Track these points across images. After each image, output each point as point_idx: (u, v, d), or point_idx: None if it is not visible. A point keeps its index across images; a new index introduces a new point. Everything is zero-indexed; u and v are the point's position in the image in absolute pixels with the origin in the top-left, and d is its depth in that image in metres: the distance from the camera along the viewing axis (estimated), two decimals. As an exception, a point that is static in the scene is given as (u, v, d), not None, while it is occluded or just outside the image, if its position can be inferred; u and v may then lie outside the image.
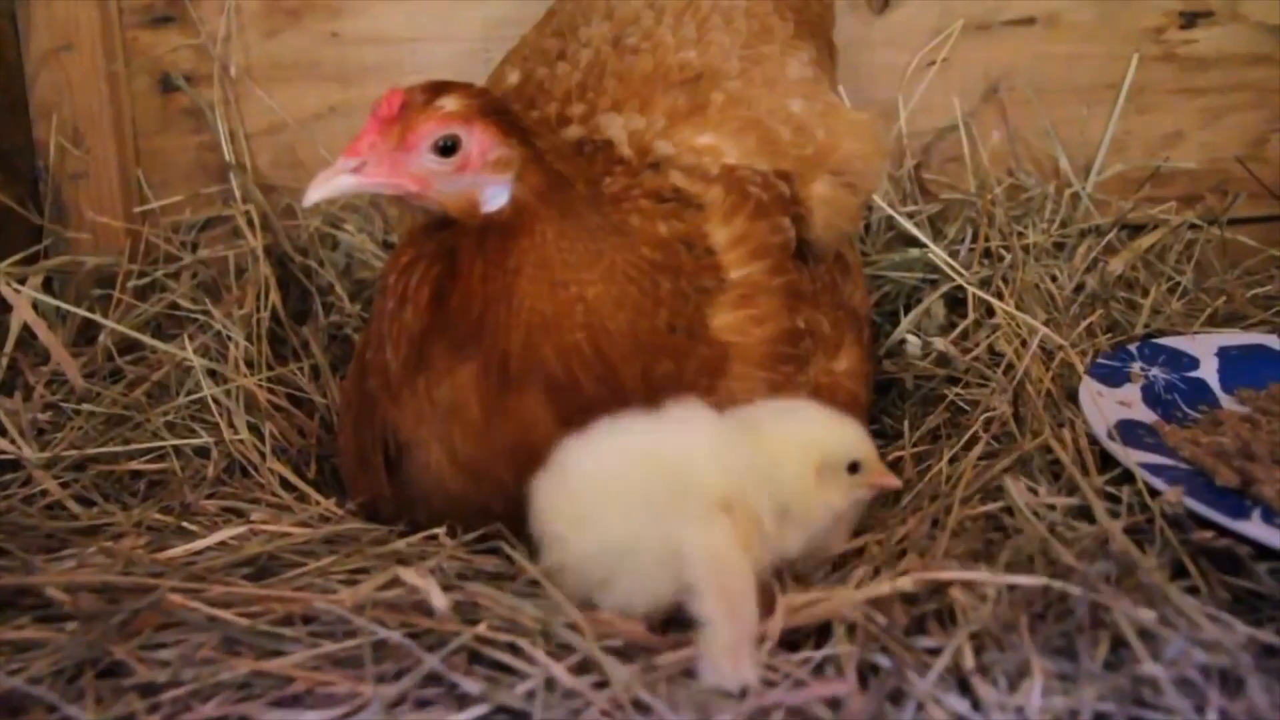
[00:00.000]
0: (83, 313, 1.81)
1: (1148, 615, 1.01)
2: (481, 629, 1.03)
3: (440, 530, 1.32)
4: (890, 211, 1.96)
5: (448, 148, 1.27)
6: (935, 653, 1.01)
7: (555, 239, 1.31)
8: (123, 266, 1.93)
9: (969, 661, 0.99)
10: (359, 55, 2.10)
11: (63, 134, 1.99)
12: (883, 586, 1.07)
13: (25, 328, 1.70)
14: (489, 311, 1.29)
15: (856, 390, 1.56)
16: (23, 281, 1.76)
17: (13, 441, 1.51)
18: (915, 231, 1.91)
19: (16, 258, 1.82)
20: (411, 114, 1.26)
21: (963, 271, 1.82)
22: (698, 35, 1.68)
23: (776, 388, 1.41)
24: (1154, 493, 1.24)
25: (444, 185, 1.29)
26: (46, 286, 1.86)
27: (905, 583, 1.06)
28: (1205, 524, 1.19)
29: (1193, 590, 1.12)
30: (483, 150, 1.28)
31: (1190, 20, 2.14)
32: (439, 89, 1.29)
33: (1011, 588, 1.05)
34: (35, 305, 1.73)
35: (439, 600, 1.05)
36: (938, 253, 1.84)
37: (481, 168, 1.29)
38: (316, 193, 1.27)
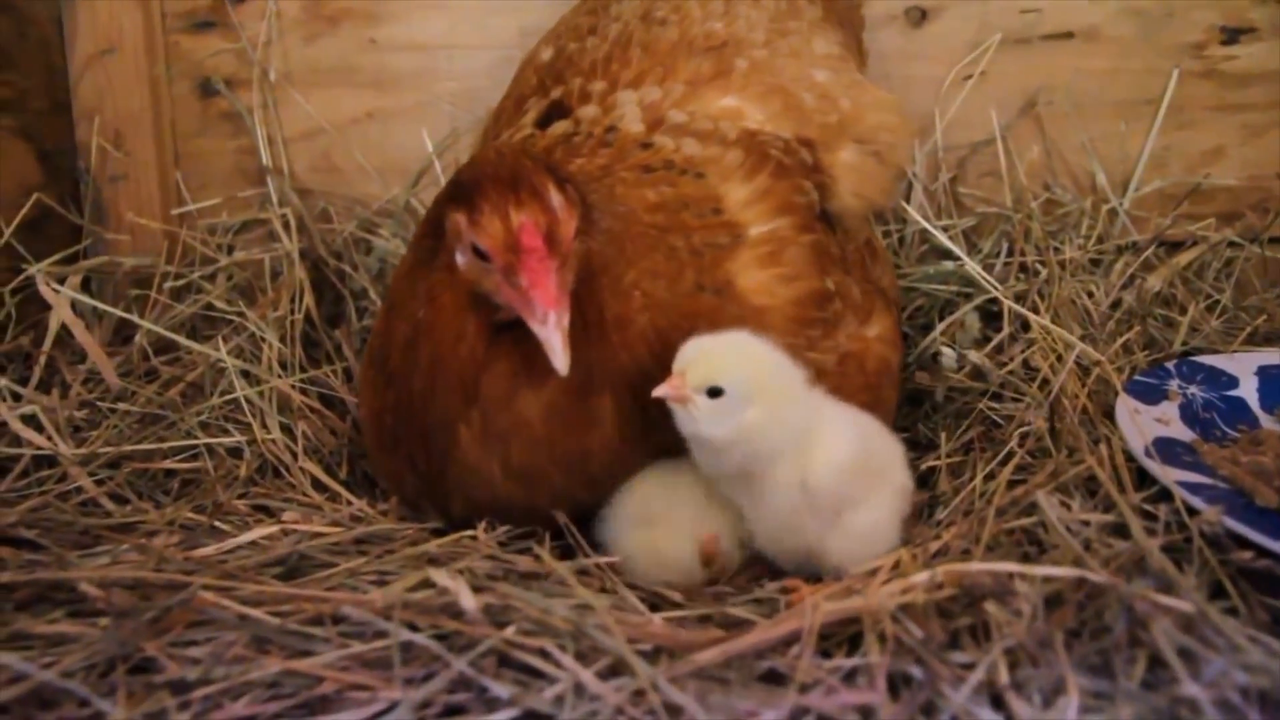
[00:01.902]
0: (119, 313, 1.83)
1: (1183, 605, 0.99)
2: (510, 633, 1.03)
3: (474, 533, 1.32)
4: (925, 224, 1.94)
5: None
6: (969, 667, 0.99)
7: (601, 245, 1.30)
8: (160, 268, 1.95)
9: (1003, 677, 0.97)
10: (396, 62, 2.11)
11: (104, 136, 2.01)
12: (914, 580, 1.06)
13: (63, 327, 1.72)
14: (579, 343, 1.24)
15: (888, 354, 1.53)
16: (62, 281, 1.78)
17: (49, 438, 1.52)
18: (950, 245, 1.89)
19: (56, 257, 1.84)
20: (557, 230, 1.21)
21: (997, 286, 1.81)
22: (725, 9, 1.70)
23: (798, 353, 1.38)
24: (1192, 511, 1.22)
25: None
26: (85, 286, 1.89)
27: (935, 576, 1.05)
28: (1244, 544, 1.17)
29: (1231, 611, 1.10)
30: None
31: (1232, 36, 2.12)
32: (533, 189, 1.21)
33: (1048, 605, 1.04)
34: (73, 305, 1.75)
35: (468, 602, 1.05)
36: (973, 266, 1.83)
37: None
38: (565, 357, 1.19)
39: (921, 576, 1.07)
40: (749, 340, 1.29)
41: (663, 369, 1.29)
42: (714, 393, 1.23)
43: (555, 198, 1.21)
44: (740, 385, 1.23)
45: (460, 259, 1.27)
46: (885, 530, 1.30)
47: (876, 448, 1.33)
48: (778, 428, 1.25)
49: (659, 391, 1.24)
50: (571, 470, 1.31)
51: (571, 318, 1.22)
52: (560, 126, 1.61)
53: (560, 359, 1.18)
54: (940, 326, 1.81)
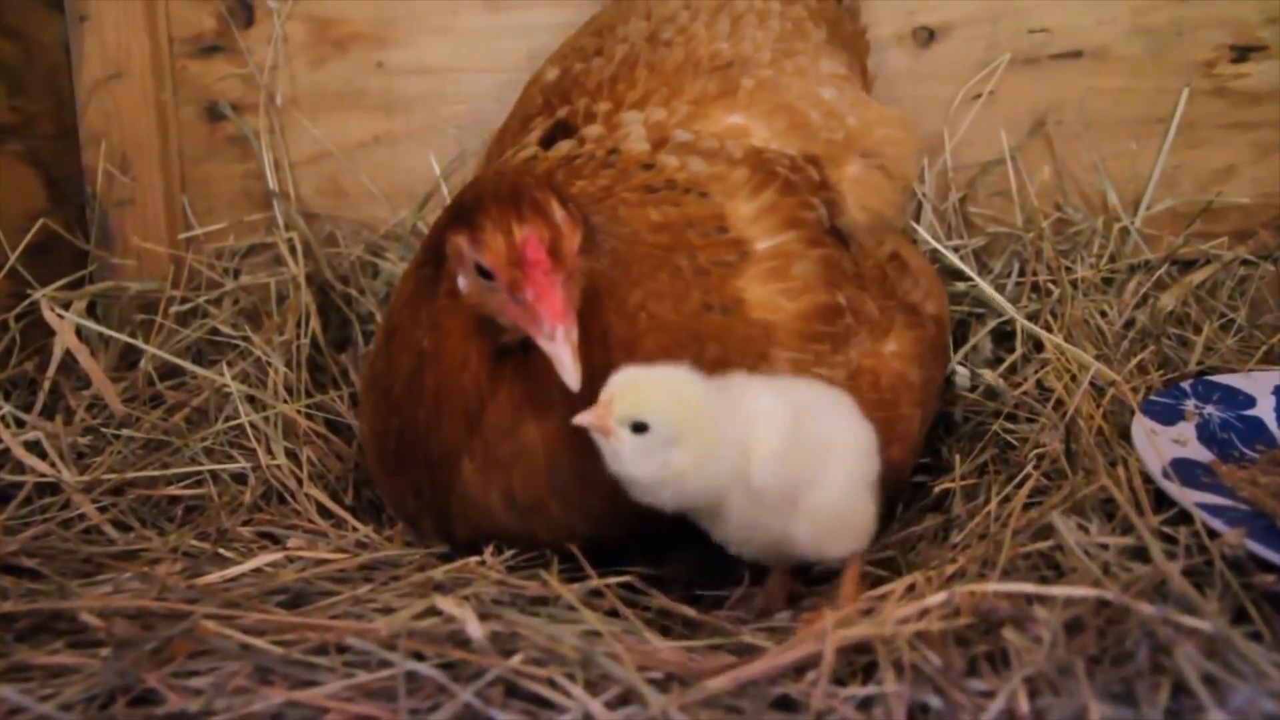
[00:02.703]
0: (125, 338, 1.82)
1: (1206, 626, 0.96)
2: (517, 661, 1.01)
3: (480, 558, 1.30)
4: (935, 244, 1.93)
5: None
6: (989, 695, 0.97)
7: (605, 266, 1.29)
8: (165, 292, 1.95)
9: (1024, 706, 0.95)
10: (403, 85, 2.11)
11: (111, 161, 2.02)
12: (929, 603, 1.04)
13: (68, 352, 1.70)
14: (585, 367, 1.22)
15: (906, 371, 1.50)
16: (67, 306, 1.77)
17: (52, 465, 1.51)
18: (960, 265, 1.88)
19: (61, 282, 1.83)
20: (561, 244, 1.19)
21: (1009, 306, 1.79)
22: (731, 30, 1.70)
23: (803, 368, 1.37)
24: (1213, 534, 1.20)
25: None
26: (90, 311, 1.88)
27: (952, 599, 1.03)
28: (1267, 567, 1.14)
29: (1255, 636, 1.07)
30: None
31: (1242, 54, 2.11)
32: (535, 204, 1.19)
33: (1068, 631, 1.01)
34: (78, 330, 1.74)
35: (475, 630, 1.03)
36: (985, 287, 1.81)
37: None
38: (576, 372, 1.16)
39: (937, 598, 1.04)
40: (684, 377, 1.20)
41: None
42: (639, 428, 1.16)
43: (558, 212, 1.20)
44: (666, 423, 1.16)
45: (462, 282, 1.25)
46: (852, 503, 1.26)
47: (814, 421, 1.26)
48: (706, 471, 1.18)
49: (580, 419, 1.18)
50: (571, 502, 1.29)
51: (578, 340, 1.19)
52: (563, 147, 1.60)
53: (571, 374, 1.15)
54: (959, 354, 1.78)
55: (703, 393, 1.20)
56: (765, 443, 1.20)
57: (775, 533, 1.23)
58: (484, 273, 1.21)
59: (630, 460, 1.17)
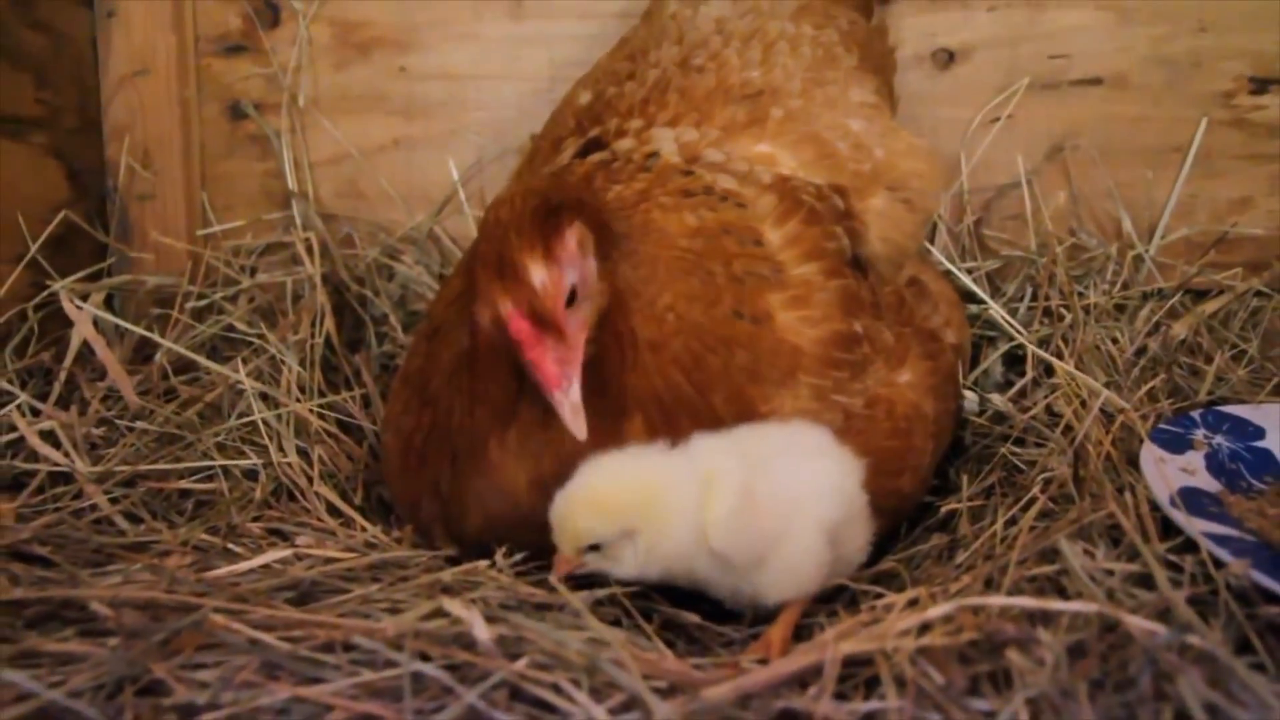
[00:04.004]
0: (141, 331, 1.83)
1: (1208, 648, 0.96)
2: (522, 665, 1.01)
3: (489, 562, 1.31)
4: (949, 266, 1.93)
5: (573, 298, 1.23)
6: (990, 715, 0.97)
7: (630, 269, 1.31)
8: (182, 288, 1.96)
9: (1025, 727, 0.95)
10: (425, 90, 2.13)
11: (133, 155, 2.04)
12: (930, 615, 1.04)
13: (84, 344, 1.72)
14: (613, 367, 1.28)
15: (920, 401, 1.52)
16: (85, 298, 1.79)
17: (66, 455, 1.52)
18: (974, 287, 1.89)
19: (80, 274, 1.85)
20: (546, 306, 1.20)
21: (1022, 330, 1.79)
22: (763, 58, 1.71)
23: (824, 395, 1.40)
24: (1218, 564, 1.20)
25: (589, 309, 1.26)
26: (108, 304, 1.90)
27: (955, 614, 1.03)
28: (1272, 598, 1.14)
29: (1258, 667, 1.07)
30: (583, 253, 1.25)
31: (1261, 86, 2.11)
32: (515, 271, 1.20)
33: (1071, 654, 1.02)
34: (96, 322, 1.76)
35: (482, 632, 1.03)
36: (998, 310, 1.82)
37: (586, 265, 1.26)
38: (580, 423, 1.22)
39: (939, 610, 1.04)
40: (609, 473, 1.25)
41: (697, 391, 1.31)
42: (595, 547, 1.23)
43: (538, 274, 1.20)
44: (610, 532, 1.23)
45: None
46: (821, 551, 1.26)
47: (776, 475, 1.27)
48: (673, 539, 1.23)
49: (554, 580, 1.23)
50: None
51: (606, 341, 1.25)
52: (598, 155, 1.62)
53: (575, 428, 1.20)
54: (970, 377, 1.79)
55: (637, 475, 1.25)
56: (718, 505, 1.22)
57: (746, 592, 1.27)
58: None
59: (616, 567, 1.24)
